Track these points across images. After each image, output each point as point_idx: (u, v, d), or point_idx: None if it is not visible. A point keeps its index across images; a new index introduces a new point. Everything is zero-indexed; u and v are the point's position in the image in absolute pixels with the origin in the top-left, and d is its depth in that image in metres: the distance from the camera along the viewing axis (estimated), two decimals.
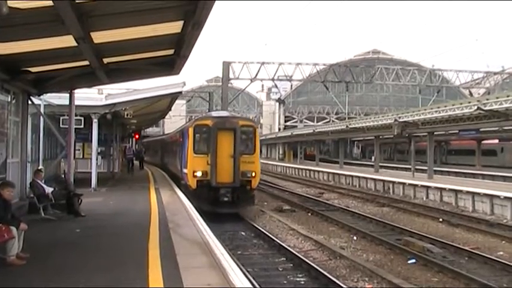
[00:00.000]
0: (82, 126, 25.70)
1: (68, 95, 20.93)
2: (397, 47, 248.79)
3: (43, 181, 17.32)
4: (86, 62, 14.59)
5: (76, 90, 21.23)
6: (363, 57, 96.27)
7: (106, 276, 9.27)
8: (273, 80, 58.94)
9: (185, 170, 25.56)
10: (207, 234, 13.54)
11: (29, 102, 19.12)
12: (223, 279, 9.02)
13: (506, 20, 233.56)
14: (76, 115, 22.66)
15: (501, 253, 18.41)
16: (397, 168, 58.62)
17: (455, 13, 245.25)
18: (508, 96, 29.48)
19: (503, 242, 20.57)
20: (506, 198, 26.78)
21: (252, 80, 56.24)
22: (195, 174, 24.26)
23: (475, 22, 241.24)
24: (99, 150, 30.76)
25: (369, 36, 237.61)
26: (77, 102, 21.51)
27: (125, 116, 30.96)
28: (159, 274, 9.23)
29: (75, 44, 11.77)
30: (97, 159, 28.62)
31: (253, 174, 24.86)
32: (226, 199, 24.03)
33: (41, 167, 20.94)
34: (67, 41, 11.58)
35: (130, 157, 46.76)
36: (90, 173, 26.91)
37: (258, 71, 55.20)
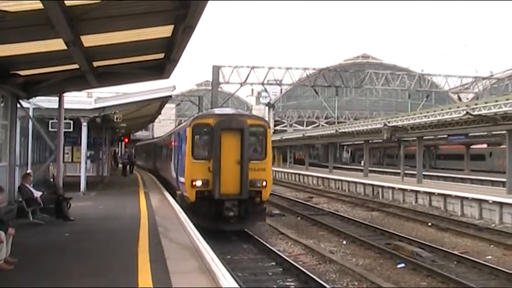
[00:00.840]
0: (71, 129, 25.52)
1: (57, 98, 20.84)
2: (386, 51, 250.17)
3: (32, 185, 17.23)
4: (76, 66, 14.55)
5: (65, 94, 21.14)
6: (352, 62, 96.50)
7: (95, 281, 9.23)
8: (262, 84, 58.97)
9: (182, 179, 21.34)
10: (197, 238, 13.51)
11: (18, 105, 19.04)
12: (214, 284, 9.00)
13: (495, 26, 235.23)
14: (65, 118, 22.54)
15: (489, 257, 18.49)
16: (386, 173, 58.81)
17: (445, 19, 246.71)
18: (496, 101, 29.65)
19: (492, 246, 20.67)
20: (494, 202, 26.93)
21: (241, 84, 56.27)
22: (194, 183, 20.11)
23: (464, 28, 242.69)
24: (88, 154, 30.62)
25: (359, 41, 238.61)
26: (66, 106, 21.43)
27: (115, 120, 30.82)
28: (148, 278, 9.20)
29: (65, 48, 11.74)
30: (86, 163, 28.47)
31: (264, 183, 20.76)
32: (231, 214, 19.91)
33: (29, 170, 20.82)
34: (57, 44, 11.54)
35: (126, 162, 48.32)
36: (80, 177, 26.77)
37: (248, 75, 55.28)
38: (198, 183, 20.14)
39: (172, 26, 11.79)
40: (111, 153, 50.73)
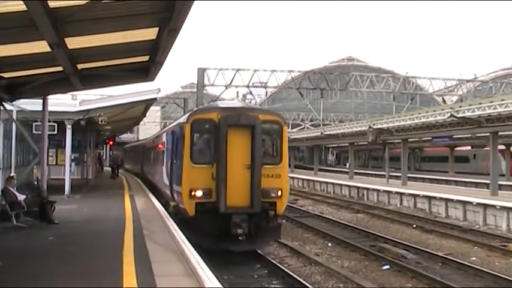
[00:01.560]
0: (55, 132, 25.40)
1: (41, 100, 20.70)
2: (371, 54, 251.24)
3: (15, 188, 17.13)
4: (60, 68, 14.46)
5: (50, 96, 21.00)
6: (337, 64, 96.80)
7: (80, 284, 9.20)
8: (248, 86, 58.88)
9: (177, 188, 17.84)
10: (182, 241, 13.48)
11: (1, 108, 18.88)
12: (199, 286, 8.99)
13: (479, 29, 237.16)
14: (49, 121, 22.40)
15: (474, 259, 18.63)
16: (371, 175, 59.04)
17: (429, 21, 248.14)
18: (480, 104, 29.91)
19: (476, 247, 20.83)
20: (478, 204, 27.13)
21: (227, 87, 56.14)
22: (193, 194, 16.71)
23: (448, 31, 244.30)
24: (72, 157, 30.47)
25: (344, 44, 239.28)
26: (50, 108, 21.28)
27: (99, 122, 30.74)
28: (133, 282, 9.17)
29: (49, 50, 11.66)
30: (71, 166, 28.32)
31: (280, 193, 17.38)
32: (240, 231, 16.50)
33: (13, 173, 20.63)
34: (41, 46, 11.46)
35: (112, 164, 49.13)
36: (64, 179, 26.64)
37: (233, 78, 55.14)
38: (199, 193, 16.71)
39: (157, 29, 11.75)
40: (96, 155, 50.55)
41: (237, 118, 17.04)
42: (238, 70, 55.39)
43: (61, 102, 26.70)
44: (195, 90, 63.84)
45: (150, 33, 12.27)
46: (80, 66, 14.91)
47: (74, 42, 12.02)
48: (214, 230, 16.69)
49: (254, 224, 16.93)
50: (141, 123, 57.78)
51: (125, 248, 12.46)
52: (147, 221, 17.21)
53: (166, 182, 21.14)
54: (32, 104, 22.87)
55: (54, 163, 35.70)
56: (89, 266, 10.78)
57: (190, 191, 16.81)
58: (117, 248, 12.39)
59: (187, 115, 18.55)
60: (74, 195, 25.82)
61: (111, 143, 57.66)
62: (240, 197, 16.81)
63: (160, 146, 26.36)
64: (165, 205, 21.46)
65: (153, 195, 26.79)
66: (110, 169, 50.15)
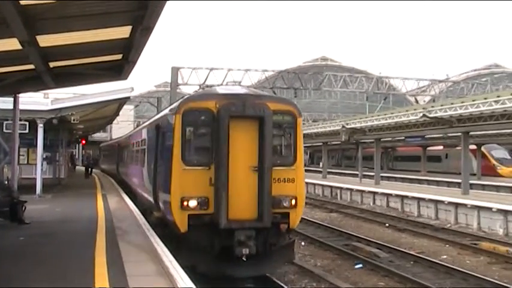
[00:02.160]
0: (27, 131, 25.10)
1: (12, 99, 20.45)
2: (345, 54, 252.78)
3: None
4: (32, 66, 14.29)
5: (21, 95, 20.75)
6: (311, 64, 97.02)
7: (51, 285, 9.08)
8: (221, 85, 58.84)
9: (165, 196, 14.03)
10: (155, 241, 13.43)
11: None
12: (171, 286, 8.96)
13: (451, 30, 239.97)
14: (20, 120, 22.13)
15: (445, 257, 18.85)
16: (345, 174, 59.39)
17: (402, 23, 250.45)
18: (452, 104, 30.26)
19: (447, 245, 21.07)
20: (450, 203, 27.46)
21: (200, 86, 55.72)
22: (185, 204, 13.20)
23: (421, 31, 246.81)
24: (44, 156, 30.13)
25: (318, 44, 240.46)
26: (21, 107, 21.03)
27: (72, 121, 30.45)
28: (105, 282, 9.11)
29: (20, 48, 11.52)
30: (42, 165, 28.01)
31: (294, 201, 13.98)
32: (246, 251, 13.19)
33: None
34: (12, 44, 11.32)
35: (87, 163, 49.40)
36: (35, 179, 26.35)
37: (207, 77, 54.96)
38: (193, 203, 13.23)
39: (130, 27, 11.68)
40: (69, 155, 50.10)
41: (241, 107, 13.49)
42: (212, 69, 55.26)
43: (33, 100, 26.42)
44: (168, 89, 63.49)
45: (123, 32, 12.20)
46: (52, 64, 14.77)
47: (46, 40, 11.90)
48: (212, 250, 13.36)
49: (262, 241, 13.62)
50: (114, 122, 57.45)
51: (97, 248, 12.37)
52: (119, 221, 17.10)
53: (149, 187, 17.11)
54: (3, 103, 22.57)
55: (26, 162, 35.20)
56: (60, 266, 10.68)
57: (182, 201, 13.14)
58: (89, 248, 12.31)
59: (177, 103, 14.64)
60: (45, 195, 25.56)
61: (83, 142, 57.23)
62: (245, 207, 13.40)
63: (139, 143, 22.52)
64: (144, 213, 19.08)
65: (126, 195, 26.59)
66: (83, 168, 49.89)
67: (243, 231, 13.22)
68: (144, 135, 20.87)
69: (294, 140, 14.52)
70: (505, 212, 23.72)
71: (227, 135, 13.21)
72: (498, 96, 26.87)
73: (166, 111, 16.37)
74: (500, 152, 55.37)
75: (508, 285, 14.65)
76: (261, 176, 13.39)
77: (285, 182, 14.03)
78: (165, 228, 14.94)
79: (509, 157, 56.72)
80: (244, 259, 13.27)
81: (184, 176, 13.40)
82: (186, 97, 15.20)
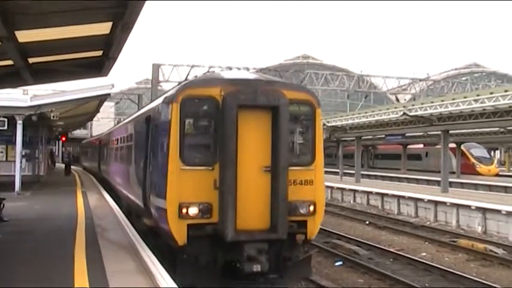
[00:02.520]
0: (5, 127, 24.89)
1: None
2: (326, 52, 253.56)
3: None
4: (10, 62, 14.14)
5: None
6: (292, 62, 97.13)
7: (29, 284, 9.02)
8: None
9: (158, 201, 11.83)
10: (135, 238, 13.38)
11: None
12: (151, 284, 8.96)
13: (432, 29, 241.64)
14: None
15: (424, 254, 19.02)
16: (325, 172, 59.24)
17: (384, 21, 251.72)
18: (432, 103, 30.49)
19: (427, 243, 21.26)
20: (429, 201, 27.69)
21: (180, 84, 55.85)
22: (184, 211, 11.10)
23: (402, 30, 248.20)
24: (23, 153, 29.86)
25: (299, 42, 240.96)
26: (0, 103, 20.84)
27: (51, 118, 30.22)
28: (85, 280, 9.07)
29: None
30: (21, 162, 27.76)
31: (312, 208, 12.03)
32: (257, 268, 11.14)
33: None
34: None
35: (67, 160, 48.94)
36: (14, 176, 26.12)
37: (188, 74, 54.63)
38: (193, 210, 11.11)
39: (110, 23, 11.60)
40: (48, 152, 49.80)
41: (251, 95, 11.43)
42: (193, 66, 55.17)
43: (11, 97, 26.22)
44: (149, 86, 63.35)
45: (103, 28, 12.11)
46: (31, 60, 14.62)
47: (25, 36, 11.78)
48: (214, 266, 11.37)
49: (275, 255, 11.57)
50: (94, 119, 57.12)
51: (76, 245, 12.31)
52: (99, 218, 17.02)
53: (137, 189, 15.03)
54: None
55: (4, 159, 34.89)
56: (38, 264, 10.62)
57: (180, 207, 11.04)
58: (69, 245, 12.24)
59: (173, 90, 12.49)
60: (24, 192, 25.36)
61: (63, 139, 56.89)
62: (256, 215, 11.39)
63: (125, 139, 20.39)
64: (129, 215, 17.73)
65: (106, 193, 26.44)
66: (63, 166, 49.68)
67: (254, 244, 11.14)
68: (131, 129, 18.49)
69: (312, 135, 12.46)
70: (483, 210, 23.95)
71: (235, 128, 11.06)
72: (478, 95, 27.11)
73: (159, 100, 13.62)
74: (479, 151, 55.94)
75: (486, 282, 14.82)
76: (275, 178, 11.31)
77: (301, 184, 11.99)
78: (156, 238, 12.84)
79: (488, 156, 57.40)
80: (256, 280, 11.26)
81: (183, 177, 11.20)
82: (184, 83, 12.81)
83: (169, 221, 11.05)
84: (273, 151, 11.44)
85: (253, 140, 11.48)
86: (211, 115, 11.62)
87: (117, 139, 23.43)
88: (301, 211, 11.81)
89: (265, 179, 11.42)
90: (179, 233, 11.00)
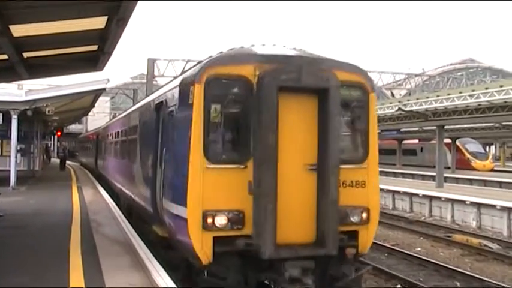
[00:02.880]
0: (0, 122, 24.83)
1: None
2: (320, 47, 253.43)
3: None
4: (5, 56, 14.09)
5: None
6: None
7: (25, 279, 9.00)
8: None
9: (175, 208, 9.68)
10: (130, 233, 13.36)
11: None
12: (147, 279, 8.94)
13: (427, 25, 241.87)
14: None
15: (419, 249, 19.08)
16: None
17: (379, 17, 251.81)
18: (427, 98, 30.54)
19: (421, 238, 21.33)
20: (424, 196, 27.77)
21: (177, 78, 55.77)
22: (209, 221, 9.04)
23: (397, 26, 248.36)
24: (18, 148, 29.81)
25: (293, 35, 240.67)
26: None
27: (46, 113, 30.13)
28: (80, 275, 9.06)
29: None
30: (16, 157, 27.71)
31: (364, 215, 10.01)
32: None
33: None
34: None
35: (62, 155, 49.08)
36: (9, 171, 26.08)
37: (184, 69, 54.71)
38: (220, 219, 9.01)
39: (105, 18, 11.58)
40: (43, 146, 49.75)
41: (295, 75, 9.20)
42: (188, 61, 54.99)
43: (6, 91, 26.15)
44: (145, 81, 63.25)
45: (98, 22, 12.08)
46: (26, 54, 14.58)
47: (19, 30, 11.74)
48: None
49: (320, 273, 9.54)
50: (90, 114, 57.08)
51: (71, 240, 12.30)
52: (94, 213, 16.99)
53: (144, 190, 13.04)
54: None
55: None
56: (33, 259, 10.59)
57: (205, 216, 8.93)
58: (64, 240, 12.22)
59: (195, 69, 9.94)
60: (19, 187, 25.32)
61: (59, 133, 56.82)
62: (299, 225, 9.32)
63: (127, 132, 18.33)
64: (129, 216, 16.28)
65: (101, 187, 26.40)
66: (58, 161, 49.69)
67: (297, 262, 9.06)
68: (135, 120, 16.29)
69: (365, 126, 10.34)
70: (478, 205, 24.02)
71: (275, 116, 8.97)
72: (473, 91, 27.16)
73: (174, 82, 11.21)
74: (474, 146, 56.04)
75: (480, 276, 14.88)
76: (323, 178, 9.27)
77: (352, 186, 9.92)
78: (167, 250, 10.87)
79: (483, 151, 57.50)
80: None
81: (209, 178, 9.07)
82: (208, 59, 10.05)
83: (190, 233, 8.92)
84: (321, 145, 9.39)
85: (295, 131, 9.43)
86: (243, 100, 9.44)
87: (118, 132, 21.51)
88: (352, 219, 9.79)
89: (310, 180, 9.38)
90: (203, 249, 8.88)
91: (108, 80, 26.46)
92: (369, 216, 9.96)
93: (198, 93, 9.14)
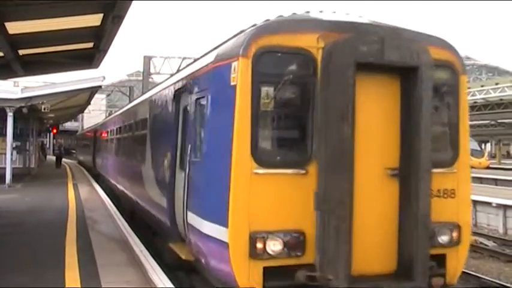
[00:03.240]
0: None
1: None
2: None
3: None
4: (0, 54, 14.10)
5: None
6: None
7: (21, 276, 8.98)
8: None
9: (211, 227, 7.24)
10: (126, 231, 13.34)
11: None
12: (143, 276, 8.93)
13: (424, 23, 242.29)
14: None
15: None
16: None
17: (376, 13, 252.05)
18: None
19: None
20: None
21: (173, 75, 55.71)
22: (259, 246, 6.66)
23: (393, 22, 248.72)
24: (14, 145, 29.77)
25: None
26: None
27: (42, 110, 30.08)
28: (76, 273, 9.04)
29: None
30: (12, 155, 27.67)
31: (455, 234, 7.66)
32: None
33: None
34: None
35: (58, 153, 48.93)
36: (5, 168, 26.03)
37: (179, 66, 54.74)
38: (274, 244, 6.79)
39: (101, 15, 11.58)
40: (39, 144, 49.74)
41: (378, 47, 6.89)
42: (184, 58, 55.01)
43: (2, 89, 26.09)
44: (140, 78, 63.21)
45: (94, 20, 12.08)
46: (21, 52, 14.58)
47: (15, 28, 11.74)
48: None
49: None
50: (86, 111, 57.01)
51: (67, 237, 12.28)
52: (90, 210, 16.97)
53: (157, 197, 10.96)
54: None
55: None
56: (29, 256, 10.56)
57: (253, 240, 6.76)
58: (60, 238, 12.20)
59: (240, 38, 7.45)
60: (15, 185, 25.26)
61: (54, 131, 56.81)
62: (379, 250, 7.14)
63: (133, 127, 16.26)
64: (131, 220, 15.13)
65: (97, 185, 26.36)
66: (54, 158, 49.71)
67: None
68: (144, 113, 13.92)
69: (455, 118, 8.03)
70: (474, 203, 23.96)
71: (351, 102, 6.66)
72: (468, 88, 27.20)
73: (206, 59, 8.44)
74: (470, 144, 56.16)
75: (476, 274, 14.90)
76: (409, 187, 7.05)
77: (439, 196, 7.60)
78: (191, 275, 9.14)
79: (478, 148, 57.64)
80: None
81: (258, 187, 6.81)
82: (258, 26, 7.52)
83: (232, 263, 6.74)
84: (405, 143, 7.14)
85: (373, 125, 7.15)
86: (303, 80, 7.13)
87: (121, 127, 19.55)
88: (440, 240, 7.53)
89: (392, 189, 7.18)
90: (249, 283, 6.73)
91: (104, 78, 26.40)
92: (460, 235, 7.68)
93: (244, 71, 6.85)
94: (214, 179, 7.35)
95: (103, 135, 27.87)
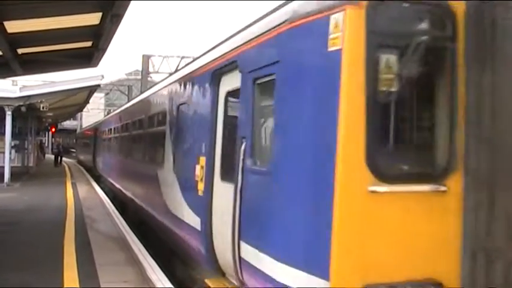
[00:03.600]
0: None
1: None
2: None
3: None
4: None
5: None
6: None
7: (19, 276, 8.97)
8: None
9: (287, 273, 4.80)
10: (124, 229, 13.36)
11: None
12: (141, 275, 8.93)
13: None
14: None
15: None
16: None
17: None
18: None
19: None
20: None
21: (171, 74, 55.67)
22: None
23: None
24: (13, 144, 29.78)
25: None
26: None
27: (41, 109, 30.10)
28: (74, 272, 9.03)
29: None
30: (11, 153, 27.67)
31: None
32: None
33: None
34: None
35: (56, 152, 49.32)
36: (3, 167, 26.02)
37: (178, 65, 54.74)
38: None
39: (100, 14, 11.58)
40: (38, 143, 49.76)
41: None
42: (183, 57, 55.04)
43: (0, 88, 26.10)
44: (139, 77, 63.20)
45: (93, 19, 12.08)
46: (20, 51, 14.57)
47: (13, 27, 11.73)
48: None
49: None
50: (84, 110, 57.03)
51: (66, 237, 12.28)
52: (88, 209, 16.98)
53: (186, 216, 8.53)
54: None
55: None
56: (28, 256, 10.54)
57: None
58: (58, 237, 12.20)
59: None
60: (14, 184, 25.26)
61: (53, 130, 56.80)
62: None
63: (143, 123, 14.17)
64: (136, 228, 13.55)
65: (95, 183, 26.36)
66: (53, 157, 49.82)
67: None
68: (161, 104, 11.71)
69: None
70: None
71: None
72: None
73: (271, 20, 5.94)
74: None
75: None
76: None
77: None
78: None
79: None
80: None
81: (378, 212, 4.58)
82: None
83: None
84: None
85: None
86: (439, 46, 4.76)
87: (128, 124, 17.28)
88: None
89: None
90: None
91: (103, 76, 26.42)
92: None
93: (355, 28, 4.50)
94: (299, 200, 4.91)
95: (107, 133, 25.69)
